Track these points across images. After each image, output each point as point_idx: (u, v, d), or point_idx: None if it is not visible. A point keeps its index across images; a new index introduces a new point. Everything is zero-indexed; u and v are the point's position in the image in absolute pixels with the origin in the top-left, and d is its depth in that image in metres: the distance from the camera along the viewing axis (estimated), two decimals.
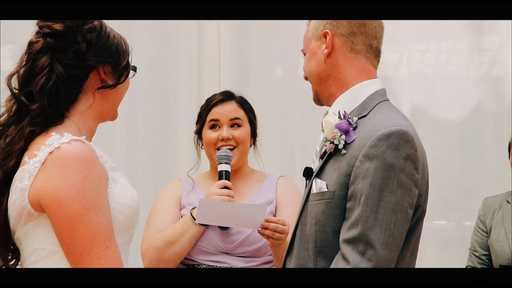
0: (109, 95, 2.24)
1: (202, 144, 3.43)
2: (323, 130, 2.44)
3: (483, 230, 3.94)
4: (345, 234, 2.28)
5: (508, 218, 3.84)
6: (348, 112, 2.41)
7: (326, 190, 2.34)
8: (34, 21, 4.06)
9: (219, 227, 3.22)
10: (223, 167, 3.27)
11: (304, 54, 2.54)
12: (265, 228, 3.09)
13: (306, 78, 2.55)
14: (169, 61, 4.29)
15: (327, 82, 2.47)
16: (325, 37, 2.46)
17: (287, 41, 4.42)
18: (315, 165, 2.48)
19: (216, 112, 3.37)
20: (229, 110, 3.37)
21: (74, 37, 2.17)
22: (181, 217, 3.31)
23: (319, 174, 2.41)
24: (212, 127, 3.37)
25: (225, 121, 3.35)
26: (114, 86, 2.23)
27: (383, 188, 2.24)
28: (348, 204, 2.30)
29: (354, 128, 2.37)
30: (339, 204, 2.32)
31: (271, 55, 4.45)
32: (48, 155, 2.04)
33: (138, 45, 4.27)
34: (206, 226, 3.22)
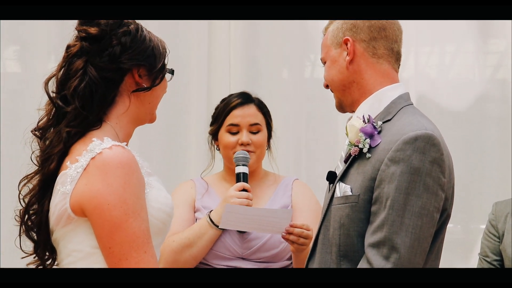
0: (145, 98, 2.25)
1: (217, 146, 3.39)
2: (347, 134, 2.43)
3: (494, 235, 3.92)
4: (370, 238, 2.27)
5: None
6: (372, 117, 2.40)
7: (350, 193, 2.34)
8: (41, 22, 4.03)
9: (238, 230, 3.19)
10: (241, 169, 3.24)
11: (324, 63, 2.54)
12: (290, 234, 3.07)
13: (327, 86, 2.54)
14: (179, 61, 4.26)
15: (350, 89, 2.47)
16: (346, 44, 2.46)
17: (297, 42, 4.41)
18: (339, 169, 2.47)
19: (236, 116, 3.32)
20: (248, 113, 3.33)
21: (109, 40, 2.18)
22: (195, 220, 3.28)
23: (343, 178, 2.40)
24: (231, 130, 3.33)
25: (245, 125, 3.31)
26: (149, 89, 2.24)
27: (409, 192, 2.24)
28: (373, 208, 2.30)
29: (379, 132, 2.37)
30: (364, 208, 2.31)
31: (279, 56, 4.43)
32: (90, 160, 2.07)
33: None
34: (223, 230, 3.19)
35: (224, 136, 3.33)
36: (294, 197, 3.32)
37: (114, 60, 2.18)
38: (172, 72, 2.32)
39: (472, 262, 4.37)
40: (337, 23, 2.50)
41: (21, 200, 2.22)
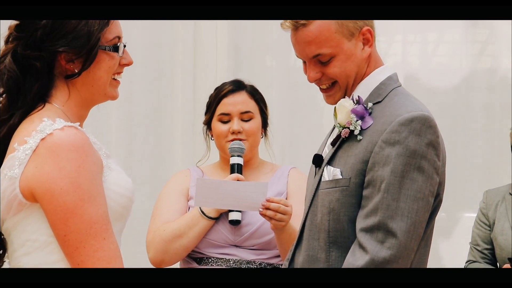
0: (85, 82, 2.11)
1: (212, 135, 3.32)
2: (335, 116, 2.35)
3: (485, 224, 3.87)
4: (362, 222, 2.20)
5: None
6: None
7: (340, 177, 2.26)
8: None
9: (230, 222, 3.12)
10: (235, 160, 3.16)
11: (330, 57, 2.32)
12: (267, 209, 2.99)
13: (331, 83, 2.36)
14: (165, 48, 4.19)
15: (356, 79, 2.36)
16: (363, 35, 2.33)
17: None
18: (325, 153, 2.39)
19: (226, 104, 3.24)
20: (239, 101, 3.24)
21: (32, 26, 2.07)
22: (189, 209, 3.22)
23: (331, 161, 2.32)
24: (222, 119, 3.25)
25: (236, 113, 3.23)
26: (77, 74, 2.09)
27: (405, 175, 2.17)
28: (365, 192, 2.23)
29: (370, 114, 2.29)
30: (355, 191, 2.24)
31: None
32: (40, 141, 1.95)
33: (134, 32, 4.17)
34: (215, 219, 3.13)
35: (216, 125, 3.26)
36: (290, 184, 3.26)
37: (35, 47, 2.05)
38: (115, 49, 2.13)
39: (456, 249, 4.33)
40: None
41: None
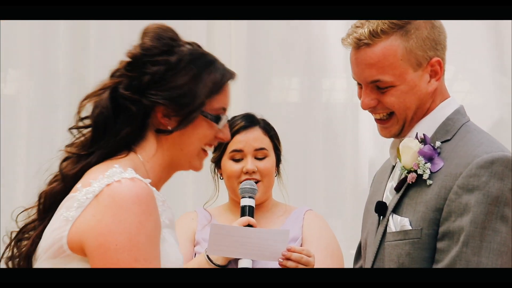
0: (175, 142, 1.95)
1: (221, 174, 3.07)
2: (399, 157, 2.09)
3: None
4: None
5: None
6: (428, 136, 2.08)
7: (410, 228, 2.05)
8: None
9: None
10: (246, 201, 2.91)
11: (390, 86, 2.10)
12: (287, 259, 2.77)
13: (387, 114, 2.12)
14: None
15: (417, 113, 2.13)
16: (432, 66, 2.09)
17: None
18: (383, 198, 2.14)
19: (239, 141, 2.99)
20: (253, 138, 3.01)
21: (142, 67, 1.93)
22: (195, 255, 2.97)
23: (396, 209, 2.09)
24: (235, 157, 3.00)
25: (249, 151, 2.99)
26: (169, 132, 1.93)
27: (486, 225, 1.96)
28: (440, 245, 2.01)
29: (439, 154, 2.05)
30: (428, 244, 2.02)
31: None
32: (105, 187, 1.82)
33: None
34: (223, 267, 2.89)
35: (227, 164, 3.01)
36: (306, 228, 3.02)
37: (138, 90, 1.92)
38: (217, 119, 1.96)
39: None
40: (406, 36, 2.08)
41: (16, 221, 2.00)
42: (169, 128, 1.94)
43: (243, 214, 2.90)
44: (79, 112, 1.98)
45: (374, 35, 2.07)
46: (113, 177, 1.84)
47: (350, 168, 3.92)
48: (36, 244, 1.92)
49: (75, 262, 1.85)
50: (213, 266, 2.86)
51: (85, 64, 3.86)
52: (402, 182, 2.09)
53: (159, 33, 1.95)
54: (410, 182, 2.06)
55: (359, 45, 2.09)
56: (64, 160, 1.97)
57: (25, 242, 1.95)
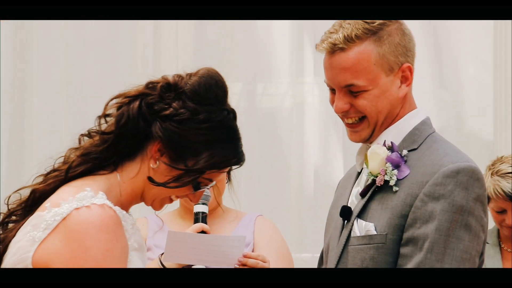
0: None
1: None
2: (366, 164, 2.12)
3: None
4: None
5: None
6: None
7: (375, 233, 2.07)
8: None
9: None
10: (200, 208, 2.88)
11: (363, 90, 2.12)
12: (243, 265, 2.77)
13: (358, 118, 2.14)
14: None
15: (387, 119, 2.16)
16: (403, 71, 2.13)
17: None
18: (347, 202, 2.16)
19: None
20: None
21: (174, 98, 1.88)
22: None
23: (361, 214, 2.11)
24: None
25: None
26: (157, 184, 1.89)
27: (450, 233, 2.00)
28: (404, 250, 2.04)
29: (405, 162, 2.09)
30: (392, 249, 2.05)
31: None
32: (73, 210, 1.79)
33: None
34: None
35: None
36: (257, 233, 3.02)
37: (155, 112, 1.87)
38: (197, 186, 1.92)
39: None
40: (379, 42, 2.12)
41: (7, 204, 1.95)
42: (153, 165, 1.88)
43: (196, 220, 2.88)
44: (104, 112, 1.93)
45: (349, 40, 2.10)
46: (82, 201, 1.80)
47: (295, 175, 3.96)
48: (7, 240, 1.89)
49: None
50: None
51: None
52: (368, 188, 2.12)
53: (212, 84, 1.89)
54: (379, 185, 2.09)
55: (334, 49, 2.11)
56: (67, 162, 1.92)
57: (10, 225, 1.92)
